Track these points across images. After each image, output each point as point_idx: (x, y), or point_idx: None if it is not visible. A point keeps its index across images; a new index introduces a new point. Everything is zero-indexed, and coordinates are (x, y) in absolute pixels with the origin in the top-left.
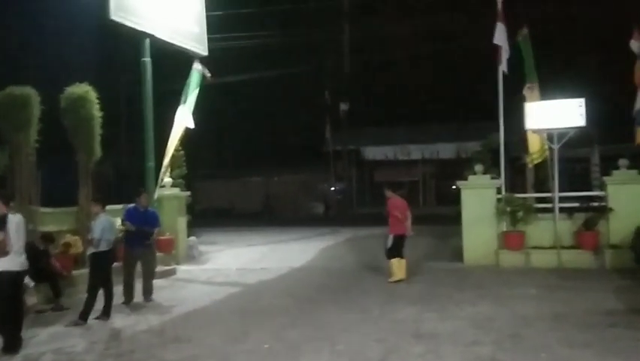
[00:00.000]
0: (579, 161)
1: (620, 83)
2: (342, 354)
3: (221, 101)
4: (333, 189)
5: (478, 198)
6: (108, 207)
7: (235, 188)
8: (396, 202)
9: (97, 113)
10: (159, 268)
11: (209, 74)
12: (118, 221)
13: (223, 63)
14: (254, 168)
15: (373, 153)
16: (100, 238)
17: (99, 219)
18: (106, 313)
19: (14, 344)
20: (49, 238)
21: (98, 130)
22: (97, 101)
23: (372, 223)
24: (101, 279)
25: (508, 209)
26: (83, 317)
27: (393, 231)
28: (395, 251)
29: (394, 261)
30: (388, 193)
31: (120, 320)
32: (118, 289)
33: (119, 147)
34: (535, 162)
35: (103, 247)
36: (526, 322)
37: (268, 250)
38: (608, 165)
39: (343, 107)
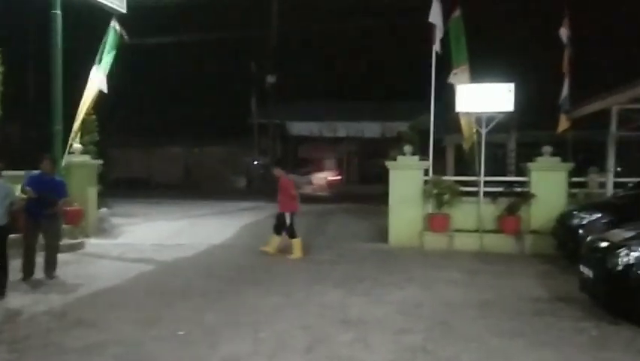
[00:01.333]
0: (498, 146)
1: (542, 71)
2: (266, 342)
3: (141, 65)
4: (256, 162)
5: (406, 179)
6: (9, 173)
7: (153, 158)
8: (289, 180)
9: None
10: (65, 242)
11: (126, 36)
12: (17, 188)
13: (143, 23)
14: (174, 137)
15: (299, 128)
16: None
17: None
18: (1, 291)
19: None
20: None
21: None
22: None
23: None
24: None
25: (435, 191)
26: None
27: (288, 208)
28: (294, 228)
29: (296, 240)
30: (278, 172)
31: (17, 299)
32: (17, 264)
33: (27, 108)
34: (469, 145)
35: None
36: (454, 309)
37: (187, 224)
38: (525, 152)
39: (270, 79)
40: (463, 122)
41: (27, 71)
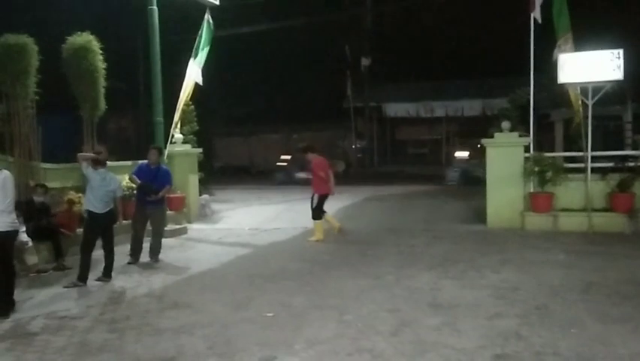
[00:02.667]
0: (611, 119)
1: None
2: (350, 325)
3: (239, 57)
4: (354, 146)
5: (505, 156)
6: (120, 163)
7: (254, 146)
8: (319, 163)
9: (100, 64)
10: (170, 227)
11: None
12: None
13: (238, 14)
14: (273, 125)
15: (395, 109)
16: (91, 192)
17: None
18: (106, 274)
19: (4, 308)
20: (43, 186)
21: (101, 82)
22: (100, 51)
23: (393, 182)
24: (91, 239)
25: (536, 169)
26: (82, 278)
27: (318, 191)
28: (320, 211)
29: (318, 221)
30: (310, 156)
31: (122, 281)
32: (126, 248)
33: (139, 102)
34: (579, 119)
35: (92, 207)
36: (554, 292)
37: (283, 209)
38: None
39: (364, 62)
40: (571, 94)
41: (137, 66)
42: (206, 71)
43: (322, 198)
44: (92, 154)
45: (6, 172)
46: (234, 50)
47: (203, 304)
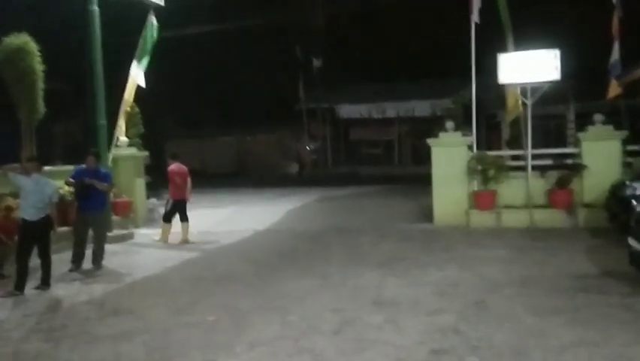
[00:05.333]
0: (554, 118)
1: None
2: (293, 326)
3: (188, 57)
4: (307, 148)
5: (449, 156)
6: (62, 168)
7: (207, 148)
8: (176, 169)
9: (38, 66)
10: (115, 232)
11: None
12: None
13: (188, 14)
14: (226, 127)
15: (348, 111)
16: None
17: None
18: (44, 282)
19: None
20: None
21: (39, 85)
22: (38, 53)
23: (347, 183)
24: (25, 247)
25: (479, 167)
26: (18, 286)
27: (173, 196)
28: (171, 215)
29: (168, 224)
30: (169, 162)
31: (61, 289)
32: (67, 255)
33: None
34: (511, 118)
35: (25, 214)
36: (493, 287)
37: (234, 211)
38: (584, 122)
39: (316, 63)
40: (508, 93)
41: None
42: (155, 72)
43: (177, 204)
44: (14, 164)
45: None
46: (185, 52)
47: (145, 310)
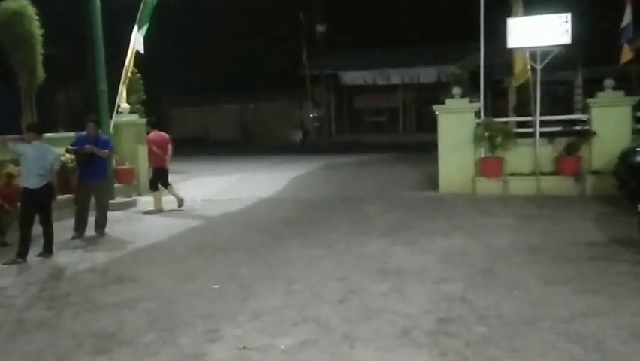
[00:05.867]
0: (562, 84)
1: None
2: (297, 295)
3: (192, 25)
4: (311, 115)
5: (456, 122)
6: (62, 134)
7: (210, 116)
8: (154, 138)
9: (36, 30)
10: (118, 200)
11: None
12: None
13: None
14: (228, 94)
15: (352, 77)
16: (24, 167)
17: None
18: (47, 249)
19: None
20: None
21: (39, 49)
22: (36, 16)
23: (351, 151)
24: (27, 215)
25: (487, 134)
26: (21, 254)
27: (153, 164)
28: (156, 183)
29: (156, 193)
30: (150, 130)
31: (64, 257)
32: (70, 222)
33: (88, 71)
34: (518, 83)
35: (27, 182)
36: (501, 255)
37: (237, 179)
38: (592, 89)
39: (320, 29)
40: (516, 58)
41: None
42: (157, 39)
43: (157, 172)
44: (15, 136)
45: None
46: (187, 18)
47: (148, 278)
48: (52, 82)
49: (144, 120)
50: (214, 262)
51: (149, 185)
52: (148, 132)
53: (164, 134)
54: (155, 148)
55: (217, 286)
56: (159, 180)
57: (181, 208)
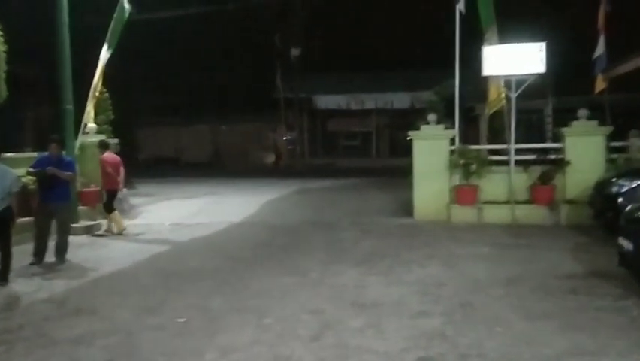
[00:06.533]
0: (533, 112)
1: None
2: (269, 330)
3: (165, 43)
4: (284, 138)
5: (431, 149)
6: (26, 154)
7: (182, 136)
8: (108, 159)
9: (0, 47)
10: (82, 224)
11: (130, 10)
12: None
13: None
14: (201, 115)
15: (326, 101)
16: None
17: None
18: (3, 277)
19: None
20: None
21: (2, 67)
22: (0, 32)
23: (324, 175)
24: None
25: (462, 161)
26: None
27: (106, 186)
28: (111, 205)
29: (114, 214)
30: (101, 151)
31: (20, 285)
32: (29, 248)
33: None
34: (492, 110)
35: None
36: (479, 287)
37: (208, 202)
38: (563, 117)
39: (294, 52)
40: (491, 86)
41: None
42: (128, 57)
43: (111, 193)
44: None
45: None
46: (160, 37)
47: (109, 310)
48: (20, 100)
49: (112, 141)
50: (180, 292)
51: (103, 208)
52: (100, 155)
53: (117, 156)
54: (109, 169)
55: (183, 320)
56: (111, 202)
57: (119, 235)
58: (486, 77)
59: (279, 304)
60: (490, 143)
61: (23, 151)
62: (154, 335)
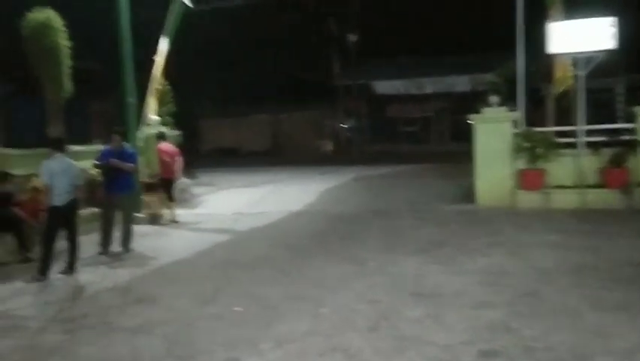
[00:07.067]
0: (603, 91)
1: None
2: (325, 320)
3: (225, 35)
4: (343, 126)
5: (493, 133)
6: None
7: (242, 127)
8: (165, 148)
9: (63, 42)
10: (147, 213)
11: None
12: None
13: None
14: (261, 105)
15: (384, 87)
16: (50, 183)
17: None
18: (70, 267)
19: None
20: (2, 177)
21: (66, 62)
22: (63, 28)
23: (383, 162)
24: (52, 232)
25: (526, 145)
26: (42, 271)
27: (163, 175)
28: (170, 194)
29: (154, 198)
30: (158, 142)
31: (87, 274)
32: (97, 237)
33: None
34: (560, 90)
35: (55, 199)
36: (546, 276)
37: (269, 191)
38: (635, 96)
39: (352, 38)
40: (558, 65)
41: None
42: (189, 50)
43: (168, 182)
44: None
45: None
46: (219, 28)
47: (169, 299)
48: (88, 94)
49: (175, 133)
50: (238, 281)
51: (166, 198)
52: (158, 145)
53: (173, 146)
54: (166, 157)
55: (240, 309)
56: (168, 191)
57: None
58: (552, 56)
59: (335, 293)
60: (557, 124)
61: (92, 143)
62: (211, 324)
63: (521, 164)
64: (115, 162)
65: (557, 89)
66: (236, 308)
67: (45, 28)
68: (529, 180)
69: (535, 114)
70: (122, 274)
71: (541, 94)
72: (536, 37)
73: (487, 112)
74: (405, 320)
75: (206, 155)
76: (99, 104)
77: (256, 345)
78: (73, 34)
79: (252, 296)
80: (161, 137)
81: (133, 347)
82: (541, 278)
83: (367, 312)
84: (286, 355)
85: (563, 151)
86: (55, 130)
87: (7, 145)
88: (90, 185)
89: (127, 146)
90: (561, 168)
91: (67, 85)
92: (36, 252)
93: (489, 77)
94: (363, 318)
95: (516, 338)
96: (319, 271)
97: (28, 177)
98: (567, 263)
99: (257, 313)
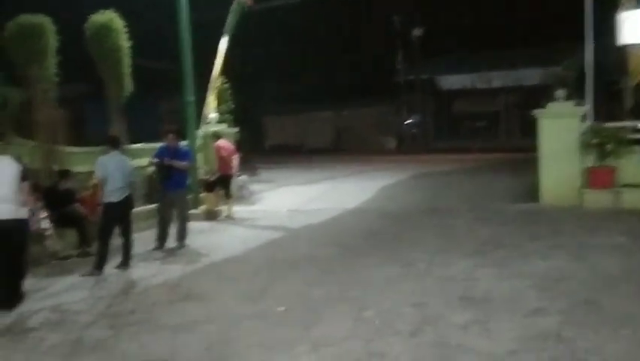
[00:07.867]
0: None
1: None
2: (367, 323)
3: (284, 32)
4: (406, 122)
5: (559, 128)
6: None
7: (305, 123)
8: (222, 145)
9: (124, 43)
10: (203, 210)
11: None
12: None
13: None
14: (323, 102)
15: (450, 82)
16: (104, 179)
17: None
18: (125, 262)
19: (10, 301)
20: (64, 174)
21: (127, 62)
22: (124, 29)
23: (447, 158)
24: (108, 228)
25: (595, 141)
26: (98, 266)
27: (220, 171)
28: (214, 186)
29: (209, 195)
30: (214, 140)
31: (141, 269)
32: (154, 233)
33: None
34: (635, 82)
35: (111, 195)
36: (609, 283)
37: (326, 188)
38: None
39: (416, 32)
40: (631, 55)
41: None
42: (252, 48)
43: (225, 178)
44: None
45: (5, 159)
46: (282, 27)
47: (215, 296)
48: (155, 93)
49: (233, 130)
50: (286, 280)
51: (224, 194)
52: (215, 142)
53: (230, 144)
54: (224, 153)
55: (282, 309)
56: (222, 186)
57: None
58: (625, 46)
59: (381, 295)
60: (633, 119)
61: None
62: (252, 324)
63: (590, 161)
64: (169, 160)
65: (633, 80)
66: (279, 308)
67: (107, 30)
68: (597, 178)
69: (612, 108)
70: (173, 270)
71: (619, 86)
72: (611, 27)
73: (553, 107)
74: (450, 326)
75: (269, 151)
76: (170, 103)
77: (292, 348)
78: (146, 36)
79: (297, 296)
80: (216, 136)
81: (172, 345)
82: (604, 285)
83: (411, 316)
84: (321, 360)
85: (635, 147)
86: (115, 128)
87: (78, 144)
88: (148, 182)
89: (182, 144)
90: (633, 165)
91: (128, 84)
92: (95, 247)
93: (557, 70)
94: (406, 322)
95: (568, 349)
96: (367, 272)
97: (89, 174)
98: (635, 269)
99: (300, 313)
